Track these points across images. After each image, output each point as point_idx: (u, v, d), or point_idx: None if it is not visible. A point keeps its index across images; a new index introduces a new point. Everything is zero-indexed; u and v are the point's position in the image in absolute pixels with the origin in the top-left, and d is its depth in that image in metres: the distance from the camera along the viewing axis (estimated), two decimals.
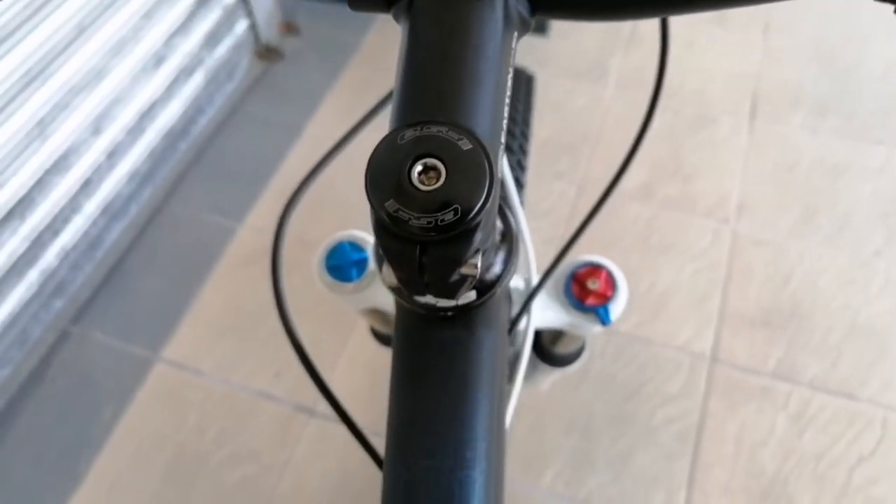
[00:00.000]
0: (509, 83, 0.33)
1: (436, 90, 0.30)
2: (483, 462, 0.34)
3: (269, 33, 1.71)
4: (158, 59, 1.38)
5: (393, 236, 0.28)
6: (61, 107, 1.18)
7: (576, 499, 1.07)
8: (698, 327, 1.22)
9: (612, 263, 0.53)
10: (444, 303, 0.35)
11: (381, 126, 0.34)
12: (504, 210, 0.38)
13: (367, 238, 0.55)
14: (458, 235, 0.28)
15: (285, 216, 0.45)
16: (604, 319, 0.52)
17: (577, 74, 1.62)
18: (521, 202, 0.61)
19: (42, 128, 1.15)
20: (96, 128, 1.27)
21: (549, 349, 0.68)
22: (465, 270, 0.29)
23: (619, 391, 1.16)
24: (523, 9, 0.34)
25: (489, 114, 0.30)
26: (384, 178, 0.28)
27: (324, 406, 1.17)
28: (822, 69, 1.60)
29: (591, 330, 0.54)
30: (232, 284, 1.32)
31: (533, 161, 1.44)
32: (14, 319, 1.19)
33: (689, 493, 1.07)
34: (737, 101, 1.55)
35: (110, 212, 1.36)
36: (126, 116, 1.33)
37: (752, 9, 1.69)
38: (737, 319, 1.23)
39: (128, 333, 1.27)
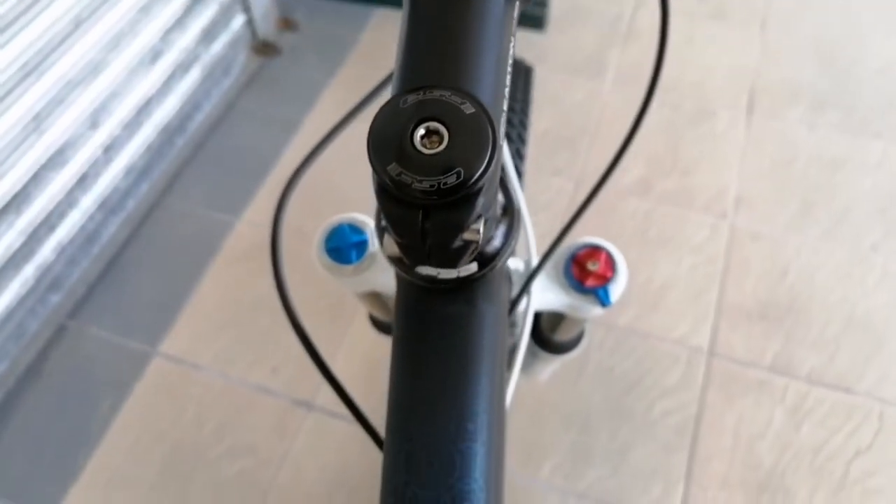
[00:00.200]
0: (511, 51, 0.32)
1: (438, 56, 0.30)
2: (484, 434, 0.34)
3: (266, 29, 1.70)
4: (155, 54, 1.38)
5: (395, 201, 0.28)
6: (57, 101, 1.17)
7: (574, 492, 1.07)
8: (696, 321, 1.22)
9: (612, 245, 0.53)
10: (445, 274, 0.35)
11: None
12: (506, 184, 0.38)
13: (367, 220, 0.54)
14: (461, 199, 0.28)
15: (286, 194, 0.45)
16: (603, 301, 0.52)
17: (575, 69, 1.62)
18: (521, 189, 0.60)
19: (38, 122, 1.14)
20: (93, 122, 1.27)
21: (548, 336, 0.68)
22: (467, 236, 0.29)
23: (618, 384, 1.16)
24: None
25: (491, 80, 0.30)
26: (386, 142, 0.28)
27: (322, 400, 1.17)
28: (820, 64, 1.60)
29: (591, 312, 0.54)
30: (229, 279, 1.32)
31: (531, 155, 1.44)
32: (10, 314, 1.19)
33: (687, 485, 1.07)
34: (735, 95, 1.55)
35: (107, 206, 1.35)
36: (123, 111, 1.33)
37: (751, 4, 1.70)
38: (734, 313, 1.23)
39: (125, 328, 1.27)
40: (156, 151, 1.45)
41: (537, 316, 0.69)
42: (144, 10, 1.31)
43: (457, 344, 0.36)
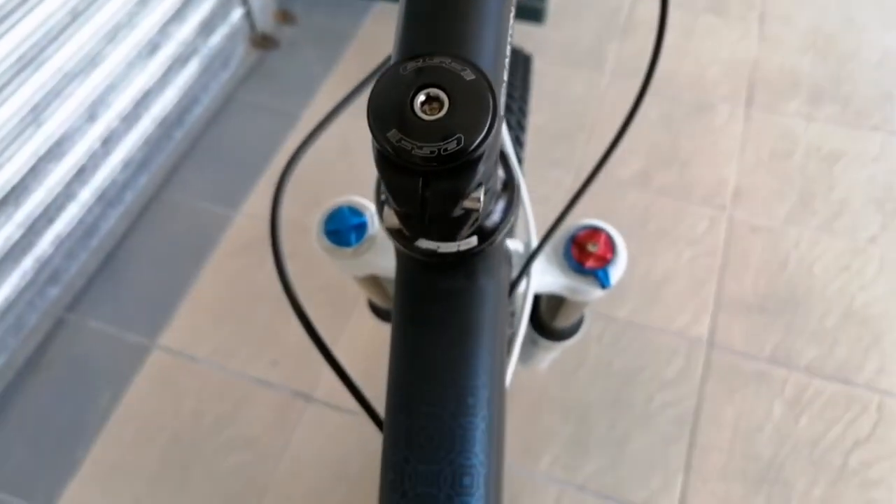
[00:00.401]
0: (511, 20, 0.32)
1: (438, 24, 0.30)
2: (485, 409, 0.34)
3: (265, 22, 1.70)
4: (153, 47, 1.38)
5: (395, 169, 0.28)
6: (55, 93, 1.17)
7: (573, 483, 1.07)
8: (695, 313, 1.22)
9: (612, 227, 0.53)
10: (445, 248, 0.34)
11: None
12: (506, 160, 0.38)
13: (366, 203, 0.54)
14: (461, 166, 0.28)
15: (286, 173, 0.45)
16: (603, 282, 0.52)
17: (574, 62, 1.62)
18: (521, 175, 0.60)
19: (36, 114, 1.14)
20: (91, 114, 1.26)
21: (547, 323, 0.68)
22: (467, 204, 0.29)
23: (617, 377, 1.17)
24: None
25: (492, 48, 0.30)
26: (387, 109, 0.28)
27: (321, 392, 1.17)
28: (818, 57, 1.60)
29: (591, 294, 0.54)
30: (228, 272, 1.32)
31: (529, 148, 1.44)
32: (9, 306, 1.19)
33: (686, 477, 1.07)
34: (733, 88, 1.55)
35: (105, 199, 1.35)
36: (121, 104, 1.33)
37: None
38: (733, 305, 1.23)
39: (123, 321, 1.27)
40: (154, 144, 1.44)
41: (537, 302, 0.69)
42: (142, 2, 1.31)
43: (457, 318, 0.36)
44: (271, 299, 1.27)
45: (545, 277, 0.52)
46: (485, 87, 0.28)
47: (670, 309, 1.23)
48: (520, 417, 1.13)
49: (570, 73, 1.60)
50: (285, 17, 1.75)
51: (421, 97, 0.28)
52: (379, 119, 0.28)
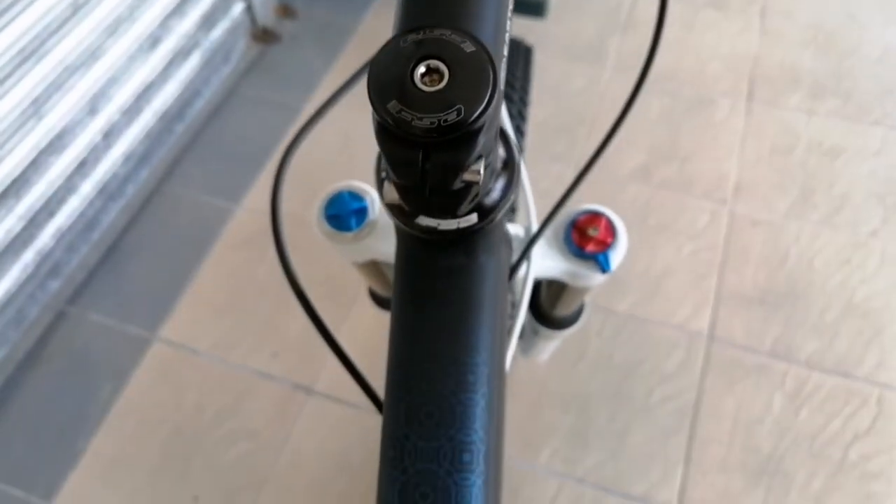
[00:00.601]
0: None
1: None
2: (485, 387, 0.34)
3: (266, 16, 1.70)
4: (154, 40, 1.38)
5: (395, 141, 0.28)
6: (56, 86, 1.17)
7: (573, 476, 1.07)
8: (696, 306, 1.22)
9: (612, 212, 0.53)
10: (445, 226, 0.35)
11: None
12: (507, 139, 0.38)
13: (367, 188, 0.54)
14: (461, 137, 0.28)
15: (289, 154, 0.45)
16: (604, 266, 0.52)
17: (575, 56, 1.62)
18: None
19: (37, 106, 1.14)
20: (92, 108, 1.26)
21: (548, 311, 0.68)
22: (467, 177, 0.29)
23: (617, 370, 1.17)
24: None
25: (492, 21, 0.30)
26: (387, 80, 0.28)
27: (322, 385, 1.17)
28: (819, 52, 1.60)
29: (592, 279, 0.54)
30: (229, 265, 1.32)
31: (530, 142, 1.44)
32: (10, 299, 1.19)
33: (686, 469, 1.07)
34: (734, 83, 1.55)
35: (106, 192, 1.35)
36: (122, 97, 1.33)
37: None
38: (734, 299, 1.23)
39: (124, 314, 1.27)
40: (155, 138, 1.44)
41: (537, 291, 0.69)
42: None
43: (457, 296, 0.36)
44: (272, 292, 1.28)
45: (545, 262, 0.53)
46: (485, 59, 0.28)
47: (671, 302, 1.23)
48: (520, 410, 1.13)
49: (571, 68, 1.60)
50: (286, 11, 1.75)
51: (421, 69, 0.28)
52: (379, 90, 0.28)
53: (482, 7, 0.30)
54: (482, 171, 0.29)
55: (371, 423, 1.13)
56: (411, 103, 0.27)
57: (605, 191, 1.35)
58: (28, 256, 1.21)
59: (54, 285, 1.28)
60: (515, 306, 0.50)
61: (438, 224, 0.35)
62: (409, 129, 0.27)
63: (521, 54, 0.82)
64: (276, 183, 0.44)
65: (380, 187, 0.36)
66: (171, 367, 1.21)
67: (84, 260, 1.32)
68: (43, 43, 1.12)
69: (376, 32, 1.71)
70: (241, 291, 1.29)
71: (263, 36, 1.70)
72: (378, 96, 0.28)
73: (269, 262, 1.32)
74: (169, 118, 1.47)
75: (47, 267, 1.26)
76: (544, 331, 0.70)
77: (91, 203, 1.32)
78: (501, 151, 0.37)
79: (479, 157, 0.29)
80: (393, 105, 0.27)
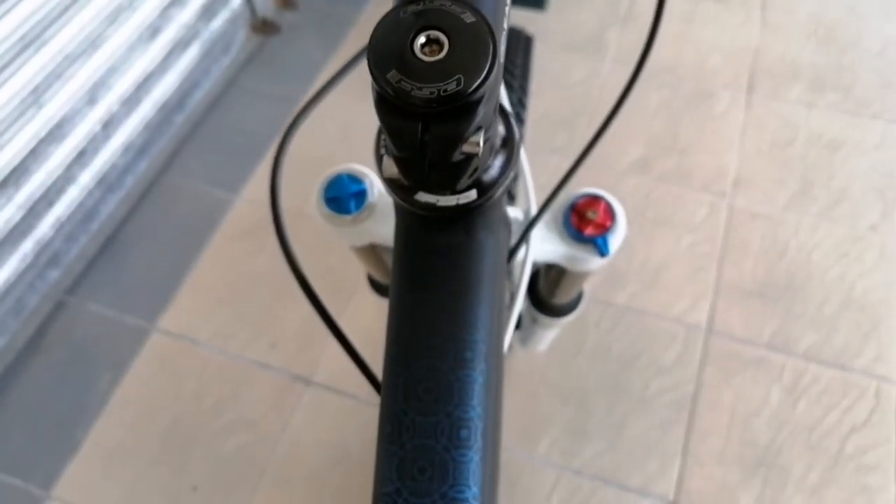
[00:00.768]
0: None
1: None
2: (483, 363, 0.34)
3: (266, 7, 1.69)
4: (154, 30, 1.37)
5: (395, 112, 0.28)
6: (56, 75, 1.17)
7: (571, 467, 1.08)
8: (694, 299, 1.22)
9: (611, 196, 0.53)
10: (444, 202, 0.35)
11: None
12: (507, 116, 0.38)
13: (366, 171, 0.54)
14: (461, 108, 0.28)
15: (290, 132, 0.45)
16: (602, 250, 0.52)
17: (575, 49, 1.62)
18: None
19: (37, 95, 1.14)
20: (91, 97, 1.26)
21: (547, 299, 0.68)
22: (466, 148, 0.29)
23: (615, 362, 1.17)
24: None
25: None
26: (386, 51, 0.28)
27: (321, 375, 1.17)
28: (819, 45, 1.60)
29: (590, 263, 0.54)
30: (228, 255, 1.32)
31: (530, 134, 1.44)
32: (9, 289, 1.19)
33: (684, 461, 1.08)
34: (734, 75, 1.55)
35: (106, 183, 1.35)
36: (122, 87, 1.32)
37: None
38: (732, 291, 1.23)
39: (124, 304, 1.27)
40: (155, 128, 1.44)
41: (536, 278, 0.69)
42: None
43: (455, 273, 0.36)
44: (271, 283, 1.28)
45: (544, 245, 0.53)
46: (484, 29, 0.28)
47: (669, 295, 1.23)
48: (519, 401, 1.13)
49: (571, 60, 1.59)
50: (286, 2, 1.75)
51: (421, 39, 0.28)
52: (379, 61, 0.28)
53: None
54: (481, 143, 0.29)
55: (369, 415, 1.14)
56: (411, 73, 0.27)
57: (604, 183, 1.35)
58: (27, 246, 1.21)
59: (53, 275, 1.28)
60: (514, 290, 0.50)
61: (437, 200, 0.35)
62: (408, 98, 0.27)
63: (521, 43, 0.82)
64: (276, 163, 0.44)
65: (379, 163, 0.36)
66: (170, 358, 1.21)
67: (83, 250, 1.32)
68: (43, 31, 1.12)
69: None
70: (240, 282, 1.29)
71: (263, 27, 1.69)
72: (378, 66, 0.28)
73: (269, 252, 1.32)
74: (168, 109, 1.47)
75: (46, 257, 1.26)
76: (543, 319, 0.70)
77: (90, 193, 1.32)
78: (501, 129, 0.37)
79: (479, 129, 0.29)
80: (392, 75, 0.27)
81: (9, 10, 1.05)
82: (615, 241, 0.52)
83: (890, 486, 1.04)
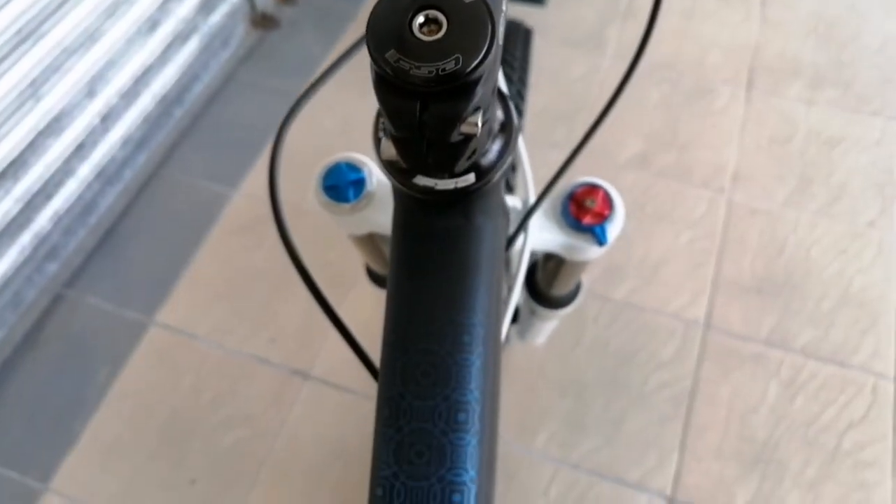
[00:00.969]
0: None
1: None
2: (480, 347, 0.34)
3: (265, 1, 1.69)
4: (153, 24, 1.37)
5: (393, 91, 0.28)
6: (54, 68, 1.17)
7: (569, 461, 1.08)
8: (692, 295, 1.22)
9: (610, 185, 0.53)
10: (442, 185, 0.35)
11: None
12: (506, 101, 0.38)
13: (364, 160, 0.54)
14: (459, 88, 0.28)
15: (290, 117, 0.45)
16: (600, 239, 0.52)
17: (575, 44, 1.61)
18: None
19: (35, 88, 1.14)
20: (90, 90, 1.26)
21: (545, 290, 0.68)
22: (465, 129, 0.29)
23: (613, 357, 1.17)
24: None
25: None
26: (385, 30, 0.28)
27: (318, 370, 1.17)
28: (819, 42, 1.60)
29: (588, 253, 0.54)
30: (226, 250, 1.32)
31: (529, 129, 1.44)
32: (7, 282, 1.19)
33: (681, 456, 1.08)
34: (734, 71, 1.55)
35: (104, 176, 1.35)
36: (120, 80, 1.32)
37: None
38: (731, 287, 1.23)
39: (122, 297, 1.27)
40: (153, 122, 1.44)
41: (534, 270, 0.69)
42: None
43: (453, 257, 0.36)
44: (270, 278, 1.28)
45: (542, 234, 0.53)
46: (483, 10, 0.28)
47: (668, 290, 1.23)
48: (517, 395, 1.14)
49: (571, 56, 1.59)
50: None
51: (420, 18, 0.28)
52: (377, 40, 0.28)
53: None
54: (480, 124, 0.29)
55: (368, 409, 1.14)
56: (409, 52, 0.27)
57: (603, 178, 1.34)
58: (25, 239, 1.21)
59: (52, 268, 1.28)
60: (512, 279, 0.50)
61: (436, 184, 0.35)
62: (407, 78, 0.27)
63: (520, 36, 0.82)
64: (276, 145, 0.44)
65: (377, 146, 0.36)
66: (168, 352, 1.21)
67: (81, 243, 1.32)
68: (41, 24, 1.12)
69: None
70: (239, 276, 1.29)
71: (263, 21, 1.69)
72: (376, 46, 0.28)
73: (267, 247, 1.32)
74: (167, 102, 1.47)
75: (45, 250, 1.26)
76: (541, 311, 0.70)
77: (89, 186, 1.32)
78: (500, 114, 0.37)
79: (477, 110, 0.29)
80: (391, 54, 0.27)
81: (7, 3, 1.05)
82: (613, 230, 0.52)
83: (886, 482, 1.04)
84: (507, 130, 0.37)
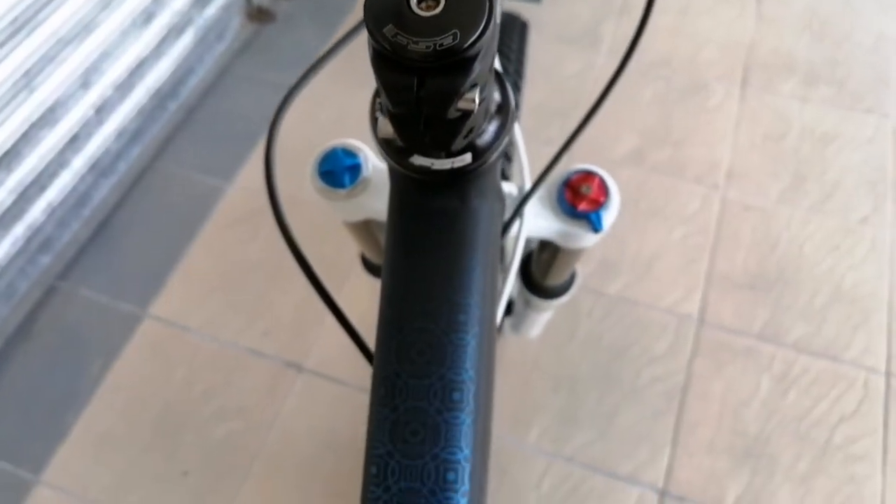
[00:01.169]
0: None
1: None
2: (476, 327, 0.34)
3: None
4: (148, 16, 1.36)
5: (391, 67, 0.28)
6: (49, 58, 1.16)
7: (561, 455, 1.08)
8: (686, 290, 1.23)
9: (606, 172, 0.53)
10: (438, 165, 0.35)
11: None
12: (503, 82, 0.38)
13: (360, 145, 0.54)
14: (457, 63, 0.28)
15: (288, 99, 0.45)
16: (596, 225, 0.52)
17: (570, 41, 1.62)
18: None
19: (29, 79, 1.13)
20: (84, 82, 1.25)
21: (540, 281, 0.68)
22: (462, 105, 0.29)
23: (607, 351, 1.17)
24: None
25: None
26: (383, 6, 0.28)
27: (312, 362, 1.17)
28: (813, 39, 1.60)
29: (583, 240, 0.54)
30: (221, 243, 1.32)
31: (524, 125, 1.44)
32: (0, 273, 1.19)
33: (674, 450, 1.08)
34: (729, 68, 1.55)
35: (98, 168, 1.34)
36: (115, 72, 1.32)
37: None
38: (724, 282, 1.24)
39: (115, 290, 1.27)
40: (148, 115, 1.44)
41: (528, 260, 0.69)
42: None
43: (450, 238, 0.36)
44: (264, 270, 1.28)
45: (538, 221, 0.53)
46: None
47: (661, 285, 1.23)
48: (510, 389, 1.14)
49: (566, 53, 1.59)
50: None
51: None
52: (375, 16, 0.28)
53: None
54: (477, 100, 0.29)
55: (361, 401, 1.14)
56: (407, 27, 0.27)
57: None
58: (18, 231, 1.21)
59: (45, 260, 1.27)
60: (507, 267, 0.51)
61: (432, 164, 0.35)
62: (404, 53, 0.27)
63: (516, 28, 0.82)
64: (272, 129, 0.44)
65: (374, 125, 0.36)
66: (161, 344, 1.21)
67: (75, 236, 1.32)
68: (36, 14, 1.11)
69: None
70: (233, 269, 1.28)
71: (258, 14, 1.69)
72: (374, 21, 0.28)
73: (262, 240, 1.31)
74: (162, 95, 1.46)
75: (38, 242, 1.25)
76: (536, 301, 0.70)
77: (83, 178, 1.31)
78: (497, 96, 0.37)
79: (474, 86, 0.29)
80: (389, 29, 0.28)
81: None
82: (609, 216, 0.52)
83: (877, 476, 1.05)
84: (504, 112, 0.37)
